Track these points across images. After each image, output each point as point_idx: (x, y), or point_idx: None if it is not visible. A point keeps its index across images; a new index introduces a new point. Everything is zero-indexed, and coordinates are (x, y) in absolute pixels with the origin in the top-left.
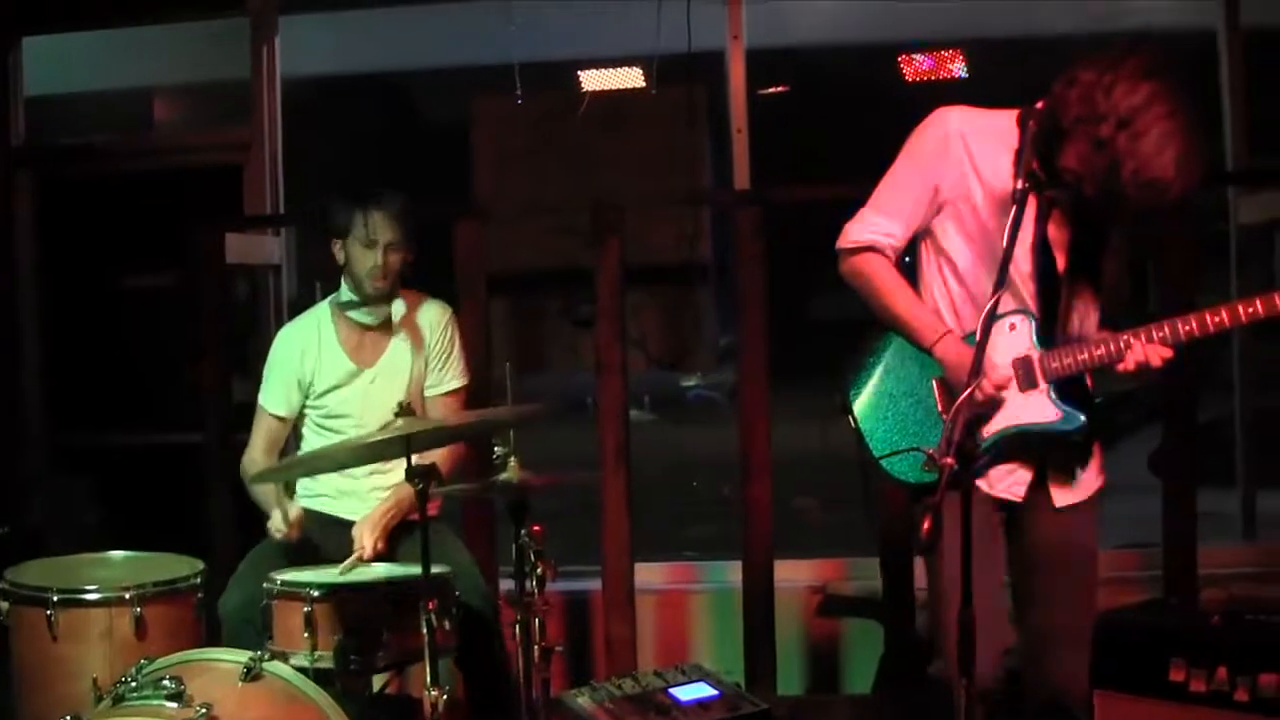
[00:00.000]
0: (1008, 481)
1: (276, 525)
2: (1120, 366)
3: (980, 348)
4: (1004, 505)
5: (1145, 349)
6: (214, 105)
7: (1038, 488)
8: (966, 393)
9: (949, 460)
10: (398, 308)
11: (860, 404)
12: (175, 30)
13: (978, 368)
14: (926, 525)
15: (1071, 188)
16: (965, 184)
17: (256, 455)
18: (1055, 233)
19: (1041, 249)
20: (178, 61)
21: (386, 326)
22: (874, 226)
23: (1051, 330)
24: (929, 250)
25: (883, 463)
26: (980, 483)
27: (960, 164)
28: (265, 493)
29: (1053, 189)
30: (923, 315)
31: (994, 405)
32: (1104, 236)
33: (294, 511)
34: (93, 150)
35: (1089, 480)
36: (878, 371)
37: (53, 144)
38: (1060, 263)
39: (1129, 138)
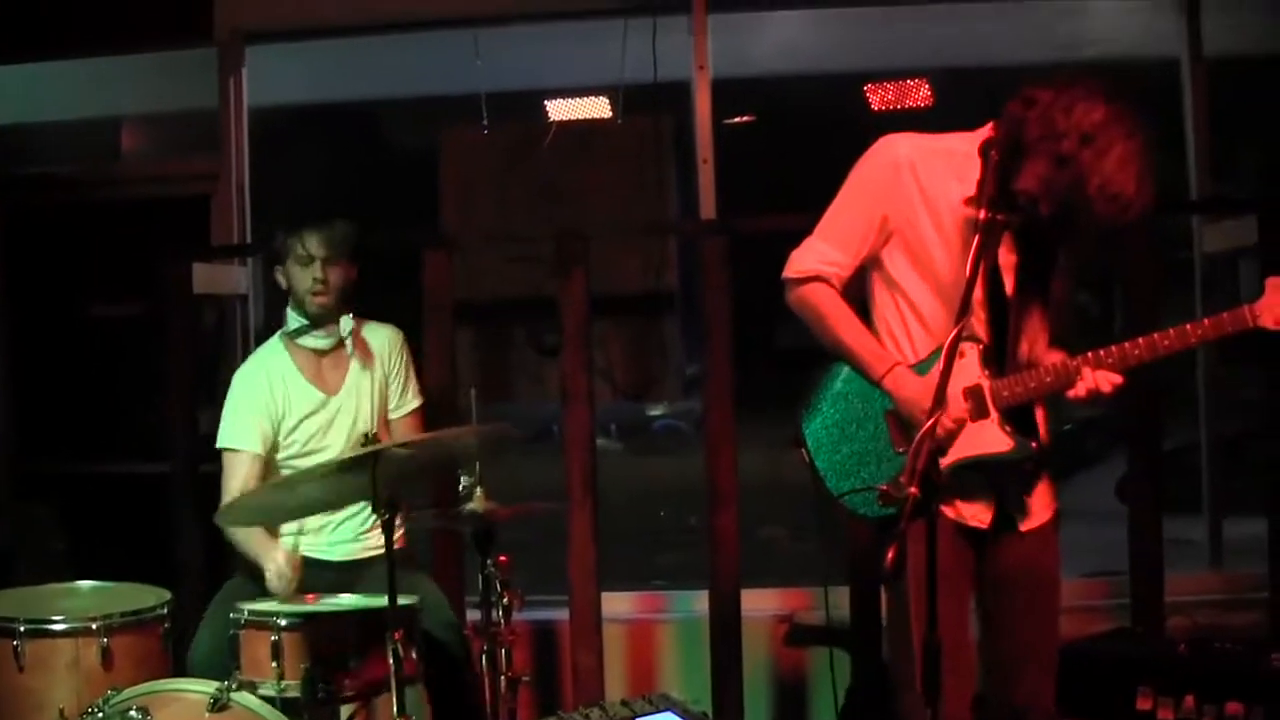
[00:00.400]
0: (974, 509)
1: (277, 577)
2: (1071, 394)
3: (944, 376)
4: (972, 533)
5: (1095, 375)
6: (181, 135)
7: (1000, 514)
8: (930, 421)
9: (913, 490)
10: (348, 330)
11: (813, 437)
12: (142, 60)
13: (941, 396)
14: (891, 555)
15: (1024, 210)
16: (914, 214)
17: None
18: (1003, 257)
19: (991, 274)
20: (145, 91)
21: (340, 349)
22: (820, 255)
23: (1002, 356)
24: (879, 280)
25: (843, 500)
26: (947, 510)
27: (909, 194)
28: (249, 538)
29: (1005, 212)
30: (872, 347)
31: (953, 436)
32: (1052, 259)
33: (288, 558)
34: (60, 180)
35: (1043, 505)
36: (829, 404)
37: (19, 174)
38: (1009, 287)
39: (1094, 154)
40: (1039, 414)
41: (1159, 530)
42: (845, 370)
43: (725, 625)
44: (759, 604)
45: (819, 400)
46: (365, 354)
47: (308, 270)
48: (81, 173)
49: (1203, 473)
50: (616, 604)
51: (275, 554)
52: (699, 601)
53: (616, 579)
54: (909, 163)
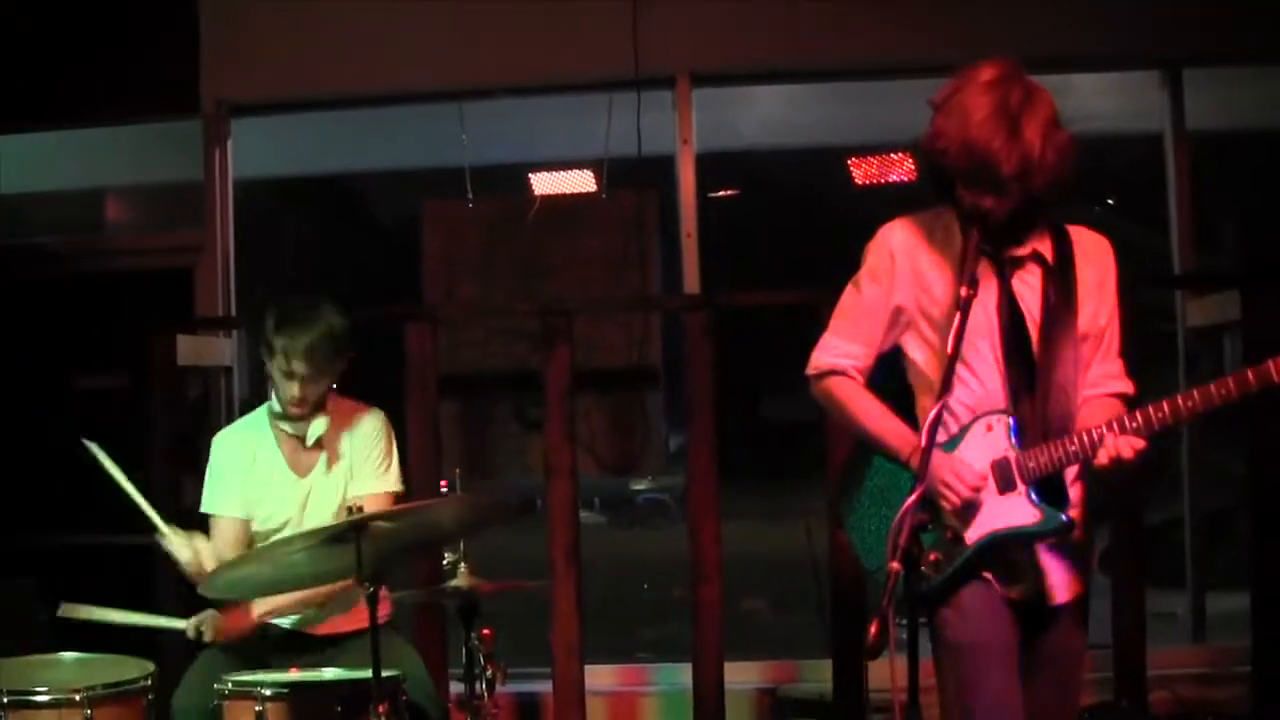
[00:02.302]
0: (1015, 585)
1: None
2: (1095, 461)
3: (925, 454)
4: (1016, 606)
5: (1117, 442)
6: (166, 207)
7: (1036, 590)
8: (913, 497)
9: (894, 565)
10: (327, 422)
11: (854, 517)
12: (128, 132)
13: (922, 474)
14: (874, 630)
15: (1000, 215)
16: (919, 300)
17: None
18: (1029, 320)
19: (1013, 344)
20: (130, 163)
21: (317, 441)
22: (834, 351)
23: (1041, 429)
24: (908, 368)
25: (875, 575)
26: (996, 584)
27: (911, 281)
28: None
29: (995, 241)
30: (894, 429)
31: (970, 510)
32: (1072, 309)
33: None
34: (44, 251)
35: (1074, 580)
36: (869, 483)
37: (4, 244)
38: (1034, 336)
39: (943, 115)
40: (1077, 487)
41: (1142, 604)
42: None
43: (708, 698)
44: (742, 677)
45: (861, 481)
46: (347, 447)
47: (288, 384)
48: (66, 244)
49: (1186, 547)
50: (600, 677)
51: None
52: (683, 674)
53: (600, 652)
54: (905, 250)
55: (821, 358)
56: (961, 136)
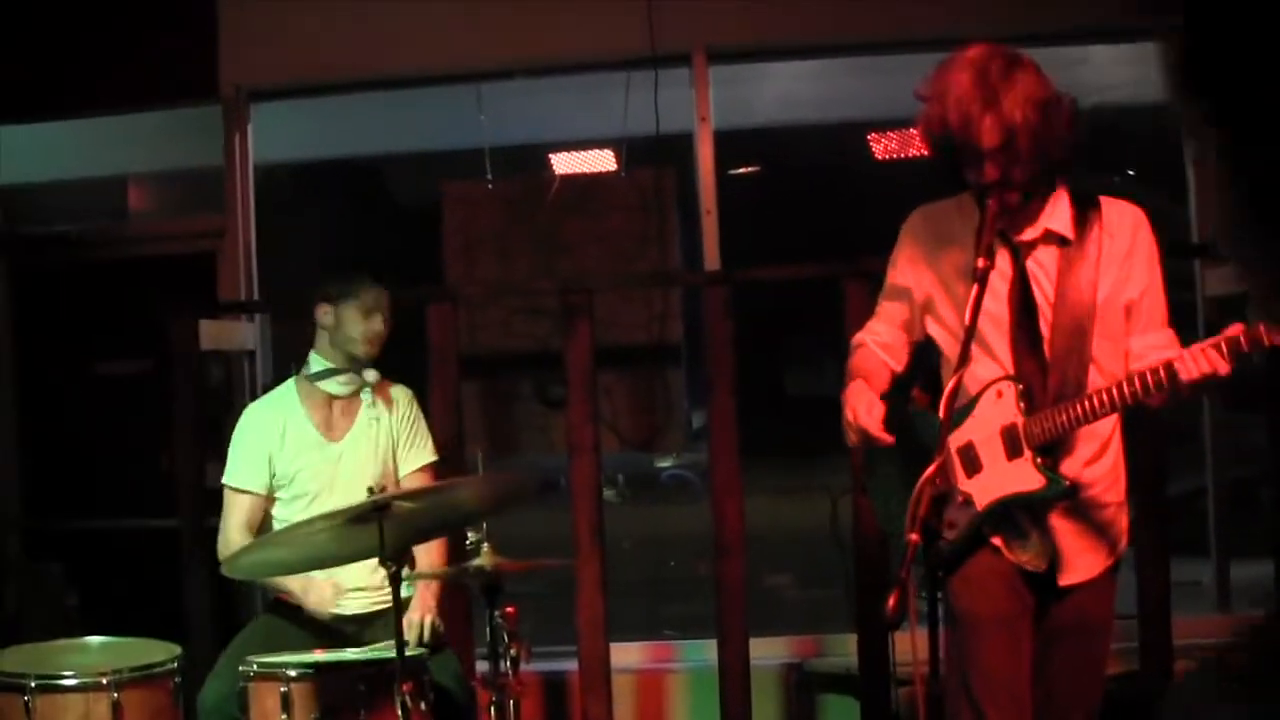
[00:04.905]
0: (1029, 554)
1: (318, 605)
2: (1180, 379)
3: (944, 427)
4: (1032, 577)
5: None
6: (187, 193)
7: (1058, 557)
8: (932, 468)
9: (913, 536)
10: (373, 380)
11: (875, 487)
12: (148, 119)
13: (941, 444)
14: (893, 601)
15: (1013, 186)
16: (935, 283)
17: (233, 536)
18: (1039, 294)
19: (1022, 313)
20: (151, 150)
21: (355, 398)
22: (866, 329)
23: (1040, 389)
24: (938, 353)
25: (895, 540)
26: (1006, 553)
27: (925, 267)
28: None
29: (1009, 221)
30: (852, 368)
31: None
32: (1091, 282)
33: (329, 589)
34: (67, 239)
35: (1099, 554)
36: (890, 454)
37: (27, 233)
38: (1045, 323)
39: (935, 102)
40: (1109, 458)
41: (1166, 573)
42: (904, 425)
43: (735, 674)
44: (768, 652)
45: (883, 452)
46: (385, 406)
47: (370, 319)
48: (89, 231)
49: (1210, 516)
50: (625, 654)
51: (311, 583)
52: (709, 651)
53: (625, 629)
54: (921, 236)
55: (855, 336)
56: (942, 116)
